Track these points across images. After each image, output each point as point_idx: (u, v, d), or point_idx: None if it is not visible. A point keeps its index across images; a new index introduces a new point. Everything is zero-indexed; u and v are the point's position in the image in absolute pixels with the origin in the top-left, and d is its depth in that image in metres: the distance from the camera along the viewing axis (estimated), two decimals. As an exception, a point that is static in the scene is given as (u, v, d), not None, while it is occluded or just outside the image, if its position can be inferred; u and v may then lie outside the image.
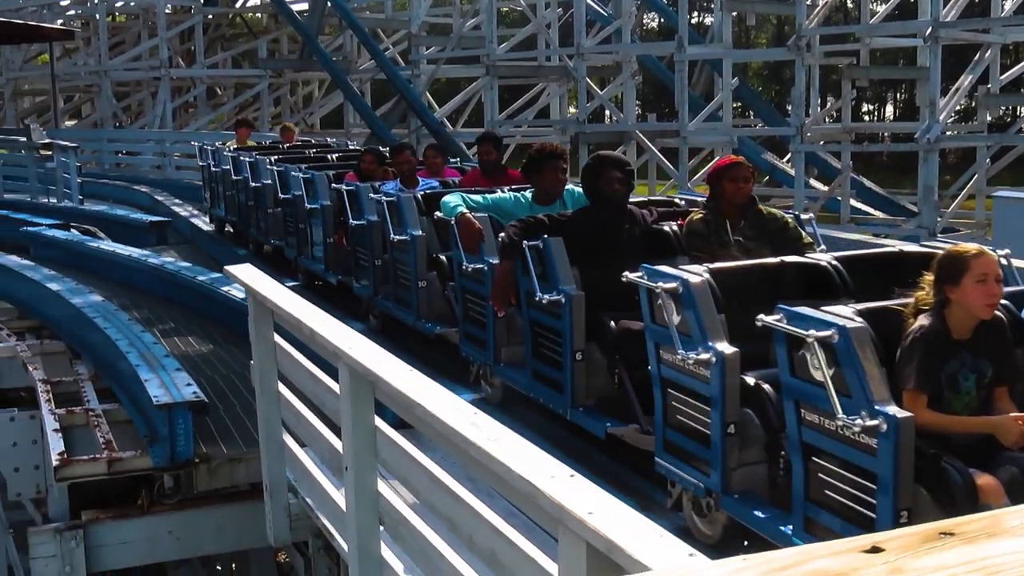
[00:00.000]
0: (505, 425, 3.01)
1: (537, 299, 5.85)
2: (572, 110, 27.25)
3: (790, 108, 20.93)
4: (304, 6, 31.62)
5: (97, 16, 31.15)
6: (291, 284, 9.37)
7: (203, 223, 16.29)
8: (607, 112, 27.51)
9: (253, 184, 12.62)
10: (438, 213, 7.17)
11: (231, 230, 14.75)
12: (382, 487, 4.06)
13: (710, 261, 5.06)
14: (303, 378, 4.99)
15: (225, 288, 10.34)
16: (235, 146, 15.05)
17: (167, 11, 30.48)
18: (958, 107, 24.01)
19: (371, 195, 8.99)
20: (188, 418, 6.69)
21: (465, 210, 6.67)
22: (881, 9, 25.06)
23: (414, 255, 7.97)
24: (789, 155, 20.83)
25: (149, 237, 15.60)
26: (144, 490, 6.71)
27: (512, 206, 6.79)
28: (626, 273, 4.90)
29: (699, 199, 7.46)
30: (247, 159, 13.09)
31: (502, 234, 6.16)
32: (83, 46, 33.80)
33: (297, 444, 5.38)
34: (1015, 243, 6.52)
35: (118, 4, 34.65)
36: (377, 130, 24.69)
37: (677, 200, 7.64)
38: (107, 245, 14.21)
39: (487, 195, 6.97)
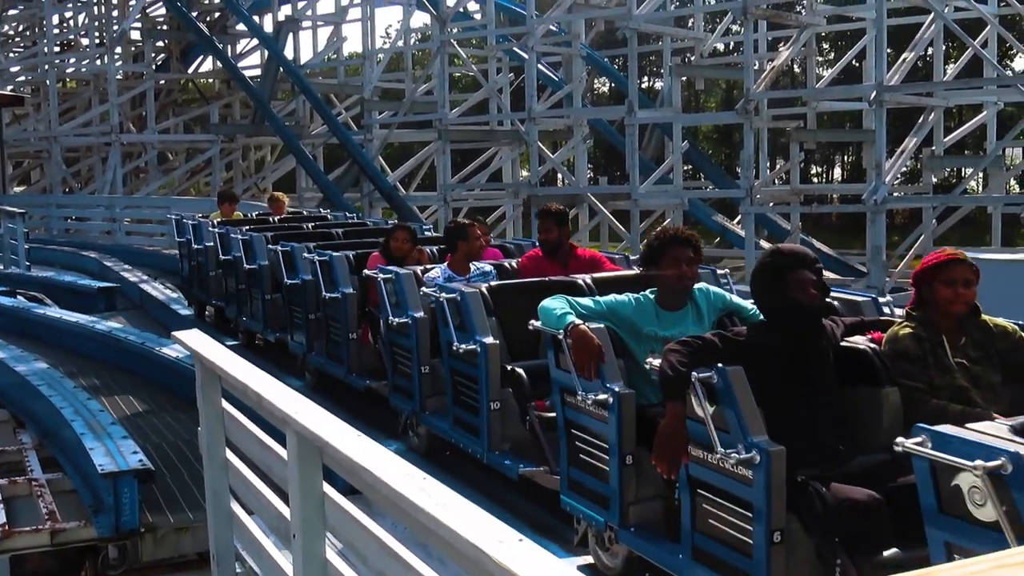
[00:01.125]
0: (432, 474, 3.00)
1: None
2: (524, 173, 27.42)
3: (740, 170, 21.22)
4: (256, 71, 31.75)
5: (48, 82, 31.03)
6: (296, 384, 8.49)
7: (156, 290, 16.11)
8: (559, 175, 27.73)
9: (248, 266, 10.88)
10: (536, 323, 5.28)
11: (211, 314, 13.09)
12: (331, 554, 3.99)
13: (928, 392, 4.22)
14: (251, 444, 4.91)
15: (173, 354, 10.22)
16: (219, 219, 13.25)
17: (118, 77, 30.43)
18: (904, 169, 24.48)
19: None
20: (134, 487, 6.56)
21: (576, 319, 4.98)
22: (827, 74, 25.60)
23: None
24: (739, 217, 21.06)
25: (97, 303, 15.43)
26: (88, 562, 6.56)
27: (633, 312, 5.09)
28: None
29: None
30: (238, 236, 11.31)
31: (657, 361, 4.41)
32: (33, 111, 33.63)
33: (245, 512, 5.28)
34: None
35: (69, 70, 34.58)
36: (330, 194, 24.69)
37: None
38: (54, 312, 14.02)
39: (598, 299, 5.23)
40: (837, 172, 49.32)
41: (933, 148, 21.56)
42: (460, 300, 6.42)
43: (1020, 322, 4.66)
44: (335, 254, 8.62)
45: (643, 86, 39.84)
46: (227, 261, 11.63)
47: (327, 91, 30.27)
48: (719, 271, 6.79)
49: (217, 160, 30.82)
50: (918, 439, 3.30)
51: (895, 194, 21.02)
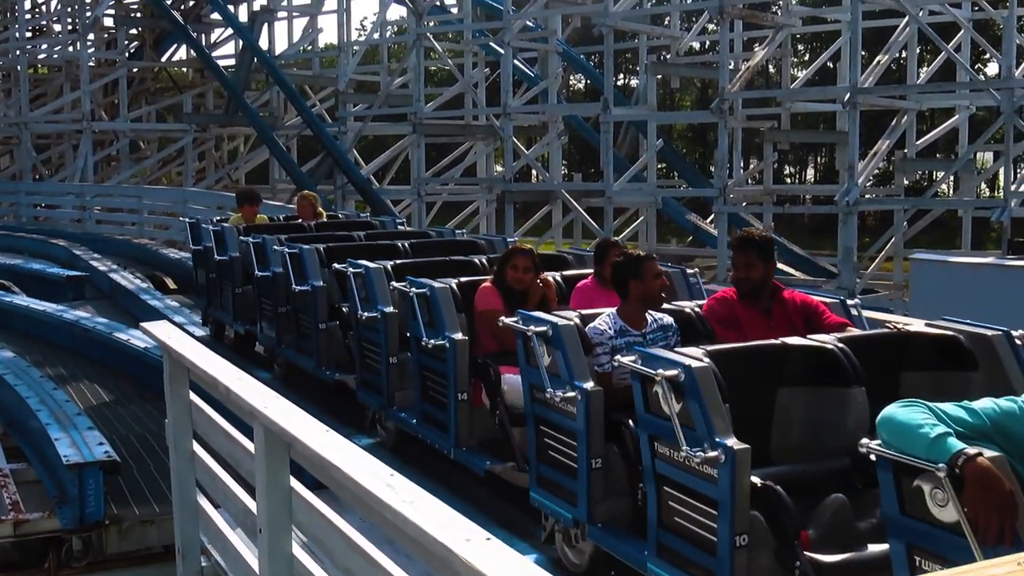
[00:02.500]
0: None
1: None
2: (499, 168, 27.39)
3: (713, 170, 21.27)
4: (231, 61, 31.54)
5: (19, 67, 30.71)
6: (366, 443, 7.16)
7: (126, 280, 15.97)
8: (533, 171, 27.71)
9: (298, 287, 8.57)
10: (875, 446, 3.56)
11: (233, 337, 10.94)
12: (297, 550, 3.96)
13: None
14: (218, 437, 4.88)
15: (142, 345, 10.14)
16: (240, 223, 11.11)
17: (91, 64, 30.16)
18: (876, 171, 24.64)
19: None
20: (99, 478, 6.51)
21: (969, 448, 3.08)
22: (802, 75, 25.71)
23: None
24: (712, 216, 21.12)
25: (66, 292, 15.29)
26: (52, 553, 6.50)
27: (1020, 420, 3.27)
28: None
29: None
30: (284, 249, 8.92)
31: None
32: (3, 97, 33.27)
33: (211, 505, 5.24)
34: (932, 303, 6.66)
35: (40, 56, 34.23)
36: (303, 186, 24.57)
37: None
38: (21, 300, 13.90)
39: (970, 405, 3.29)
40: (810, 173, 49.59)
41: (905, 151, 21.69)
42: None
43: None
44: (436, 285, 6.56)
45: (619, 83, 39.90)
46: (264, 279, 9.31)
47: (302, 82, 30.12)
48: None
49: (190, 150, 30.61)
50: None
51: (867, 196, 21.12)
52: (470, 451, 6.30)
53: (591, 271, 6.76)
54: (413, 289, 6.62)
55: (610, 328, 5.21)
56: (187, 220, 12.94)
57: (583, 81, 45.63)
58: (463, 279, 6.74)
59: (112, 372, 10.67)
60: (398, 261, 7.75)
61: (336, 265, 7.97)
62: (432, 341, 6.39)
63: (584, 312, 5.48)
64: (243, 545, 4.73)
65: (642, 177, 22.13)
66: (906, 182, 23.81)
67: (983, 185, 32.44)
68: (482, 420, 6.26)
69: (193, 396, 5.18)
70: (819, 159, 47.85)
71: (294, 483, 3.86)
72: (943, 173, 22.97)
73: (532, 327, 5.15)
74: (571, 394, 4.87)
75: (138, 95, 33.98)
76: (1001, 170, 20.01)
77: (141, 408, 9.31)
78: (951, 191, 30.54)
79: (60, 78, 32.86)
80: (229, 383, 4.25)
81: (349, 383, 7.92)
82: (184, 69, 36.57)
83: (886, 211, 25.76)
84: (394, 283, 7.17)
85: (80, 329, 11.77)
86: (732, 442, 3.94)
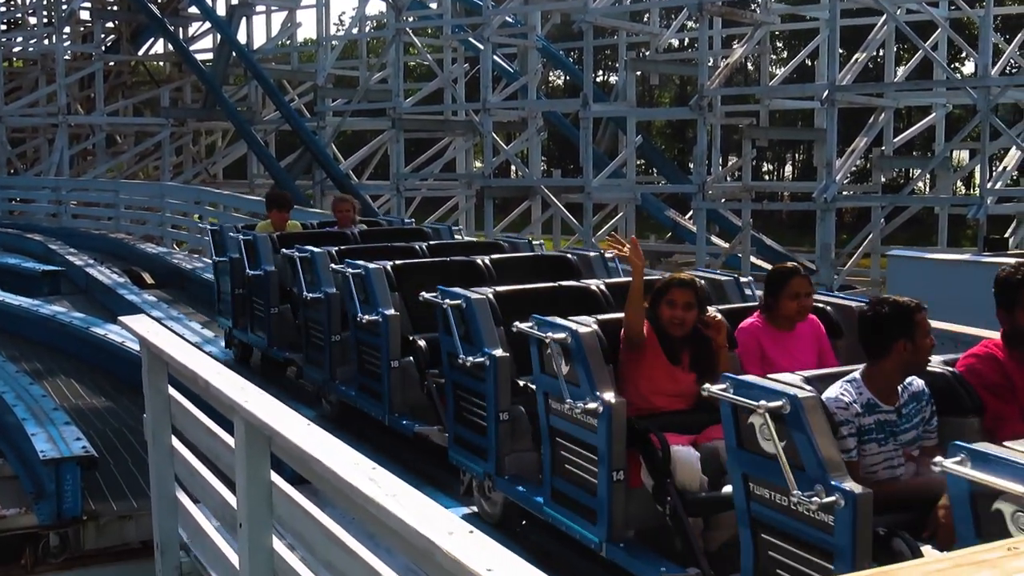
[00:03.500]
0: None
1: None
2: (478, 164, 27.37)
3: (692, 166, 21.32)
4: (208, 55, 31.38)
5: (-7, 60, 30.47)
6: (463, 512, 5.88)
7: (102, 275, 15.87)
8: (513, 167, 27.70)
9: (365, 316, 6.97)
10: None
11: (257, 359, 9.91)
12: (277, 544, 3.95)
13: None
14: (197, 432, 4.85)
15: (119, 339, 10.08)
16: (270, 231, 9.63)
17: (66, 57, 29.93)
18: (854, 168, 24.73)
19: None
20: (76, 474, 6.47)
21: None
22: (780, 72, 25.80)
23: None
24: (691, 212, 21.17)
25: (41, 287, 15.18)
26: (28, 549, 6.45)
27: None
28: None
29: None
30: (346, 269, 7.28)
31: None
32: (-22, 91, 32.99)
33: (190, 500, 5.22)
34: (909, 299, 6.67)
35: (15, 49, 33.96)
36: (281, 181, 24.49)
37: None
38: (-3, 294, 13.78)
39: None
40: (788, 170, 49.75)
41: (883, 148, 21.80)
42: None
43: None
44: (579, 329, 4.82)
45: (598, 80, 39.93)
46: (315, 301, 7.77)
47: (280, 77, 30.00)
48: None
49: (167, 144, 30.44)
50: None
51: (845, 193, 21.23)
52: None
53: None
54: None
55: (855, 401, 3.92)
56: (209, 227, 11.34)
57: (563, 77, 45.61)
58: (602, 318, 5.00)
59: (89, 367, 10.60)
60: (498, 289, 6.01)
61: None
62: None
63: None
64: (222, 540, 4.70)
65: (621, 173, 22.15)
66: (883, 179, 23.91)
67: (959, 183, 32.61)
68: (641, 504, 4.69)
69: (172, 390, 5.15)
70: (797, 156, 48.02)
71: (274, 477, 3.84)
72: (920, 171, 23.08)
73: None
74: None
75: (115, 89, 33.77)
76: (977, 168, 20.14)
77: (119, 403, 9.25)
78: (928, 188, 30.69)
79: (35, 71, 32.63)
80: (208, 377, 4.23)
81: (434, 437, 6.37)
82: (161, 63, 36.36)
83: (864, 208, 25.89)
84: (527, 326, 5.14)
85: (57, 324, 11.69)
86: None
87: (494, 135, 23.42)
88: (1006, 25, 30.77)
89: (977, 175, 21.86)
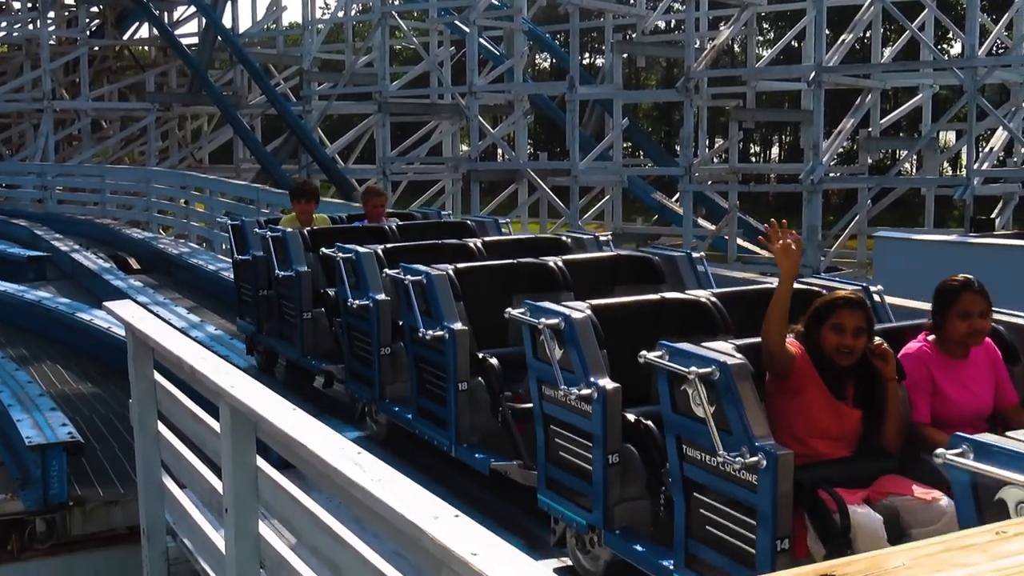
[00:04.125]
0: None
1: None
2: (464, 148, 27.32)
3: (679, 148, 21.30)
4: (194, 40, 31.21)
5: (-23, 45, 30.28)
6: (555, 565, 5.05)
7: (88, 260, 15.79)
8: (499, 150, 27.65)
9: (428, 332, 5.95)
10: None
11: (283, 365, 9.04)
12: (264, 529, 3.94)
13: None
14: (183, 417, 4.84)
15: (105, 325, 10.05)
16: (296, 225, 8.68)
17: (51, 42, 29.74)
18: (840, 150, 24.75)
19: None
20: (63, 459, 6.45)
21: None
22: (767, 54, 25.78)
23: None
24: (678, 194, 21.17)
25: (27, 272, 15.11)
26: (15, 535, 6.44)
27: None
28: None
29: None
30: (403, 276, 6.20)
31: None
32: (-38, 76, 32.79)
33: (177, 486, 5.21)
34: (895, 281, 6.69)
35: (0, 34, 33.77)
36: (267, 165, 24.40)
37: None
38: (-18, 280, 13.71)
39: None
40: (775, 152, 49.80)
41: (869, 129, 21.82)
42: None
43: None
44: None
45: (584, 62, 39.87)
46: (361, 308, 6.78)
47: (266, 61, 29.85)
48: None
49: (152, 129, 30.29)
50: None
51: (831, 174, 21.24)
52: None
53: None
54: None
55: None
56: (228, 221, 10.10)
57: (549, 60, 45.54)
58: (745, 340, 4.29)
59: (75, 353, 10.56)
60: (594, 303, 5.05)
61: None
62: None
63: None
64: (209, 525, 4.70)
65: (608, 156, 22.13)
66: (870, 161, 23.94)
67: (946, 164, 32.69)
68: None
69: (157, 376, 5.13)
70: (784, 138, 48.06)
71: (260, 462, 3.84)
72: (906, 152, 23.13)
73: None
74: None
75: (99, 74, 33.57)
76: (964, 149, 20.17)
77: (105, 388, 9.22)
78: (914, 170, 30.77)
79: (20, 56, 32.40)
80: (194, 362, 4.22)
81: (513, 473, 5.58)
82: (146, 48, 36.15)
83: (850, 189, 25.93)
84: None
85: (42, 309, 11.64)
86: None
87: (480, 118, 23.37)
88: (992, 5, 30.82)
89: (964, 156, 21.89)
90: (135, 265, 16.97)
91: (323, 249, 7.49)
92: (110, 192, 23.05)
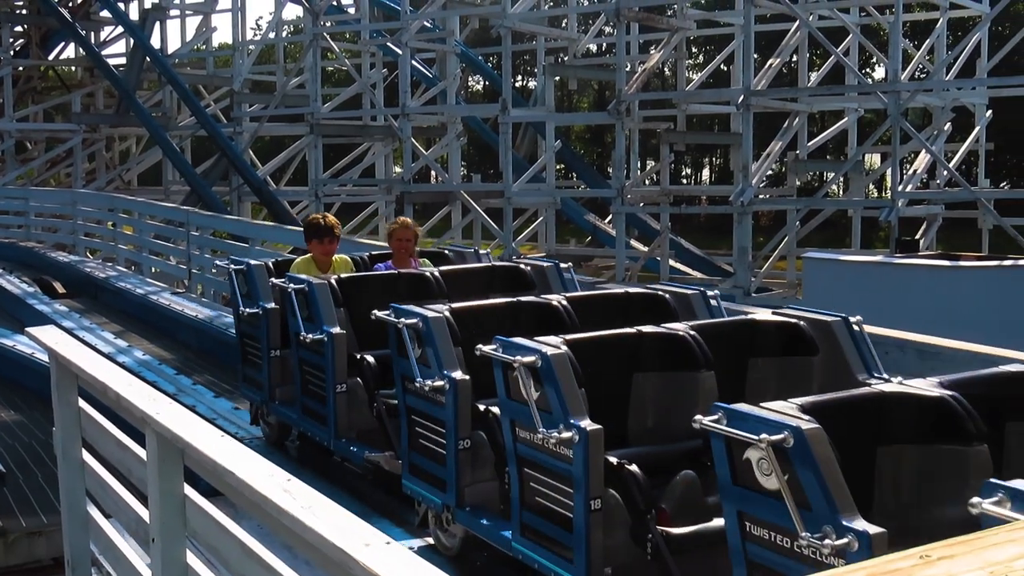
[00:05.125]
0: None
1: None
2: (397, 169, 27.25)
3: (611, 170, 21.45)
4: (122, 60, 30.82)
5: None
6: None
7: (11, 284, 15.44)
8: (432, 172, 27.65)
9: (552, 434, 4.34)
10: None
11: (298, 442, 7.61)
12: (192, 559, 3.86)
13: None
14: (109, 445, 4.73)
15: (28, 351, 9.84)
16: (316, 272, 7.31)
17: (-26, 62, 29.19)
18: (769, 172, 25.13)
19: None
20: (-16, 490, 6.28)
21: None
22: (697, 77, 26.09)
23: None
24: (611, 216, 21.31)
25: (-53, 297, 14.78)
26: (-66, 568, 6.25)
27: None
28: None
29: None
30: (503, 355, 4.62)
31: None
32: None
33: (102, 515, 5.09)
34: (823, 301, 6.77)
35: (-80, 53, 33.03)
36: (197, 187, 24.13)
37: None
38: (-99, 306, 13.37)
39: None
40: (706, 174, 50.38)
41: (797, 152, 22.16)
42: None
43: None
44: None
45: (517, 85, 40.05)
46: (435, 389, 5.24)
47: (195, 82, 29.57)
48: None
49: (79, 150, 29.83)
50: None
51: (761, 196, 21.53)
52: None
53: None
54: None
55: None
56: (230, 266, 7.90)
57: (481, 82, 45.68)
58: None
59: (-2, 380, 10.33)
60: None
61: None
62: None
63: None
64: (136, 555, 4.60)
65: (541, 178, 22.22)
66: (798, 183, 24.33)
67: (872, 186, 33.32)
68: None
69: (82, 403, 5.02)
70: (715, 160, 48.64)
71: (188, 490, 3.77)
72: (833, 174, 23.51)
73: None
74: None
75: (24, 94, 32.99)
76: (888, 171, 20.56)
77: (28, 416, 9.02)
78: (841, 191, 31.28)
79: (-59, 76, 31.73)
80: (119, 389, 4.13)
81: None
82: (73, 68, 35.62)
83: (779, 211, 26.29)
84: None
85: (-37, 336, 11.36)
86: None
87: (413, 140, 23.34)
88: (915, 31, 31.54)
89: (888, 178, 22.32)
90: (60, 289, 16.66)
91: (392, 318, 5.50)
92: (35, 215, 22.63)
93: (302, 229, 8.67)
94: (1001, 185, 34.90)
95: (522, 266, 7.12)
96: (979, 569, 0.89)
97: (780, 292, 19.68)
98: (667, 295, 5.85)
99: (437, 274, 6.71)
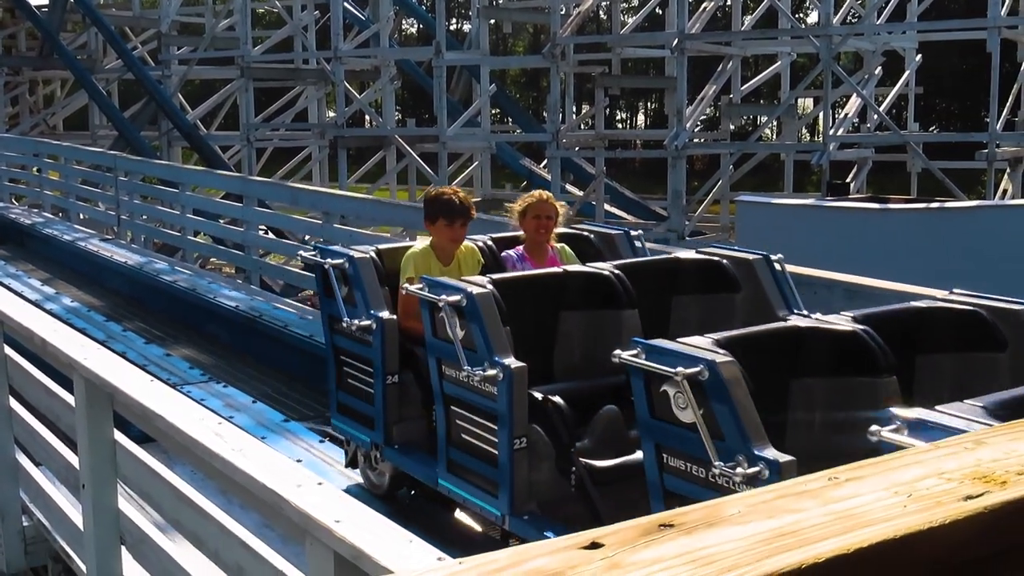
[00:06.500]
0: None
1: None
2: (330, 114, 26.93)
3: (546, 115, 21.39)
4: (44, 1, 29.99)
5: None
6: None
7: None
8: (366, 117, 27.37)
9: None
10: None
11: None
12: (124, 504, 3.85)
13: None
14: (37, 392, 4.68)
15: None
16: (441, 265, 5.46)
17: None
18: (703, 116, 25.22)
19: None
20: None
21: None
22: (632, 21, 26.03)
23: None
24: (546, 160, 21.30)
25: None
26: None
27: None
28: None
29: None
30: None
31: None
32: None
33: (32, 463, 5.05)
34: (756, 244, 6.85)
35: None
36: (125, 132, 23.67)
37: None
38: None
39: None
40: (641, 118, 50.47)
41: (731, 96, 22.26)
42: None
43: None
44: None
45: (451, 28, 39.66)
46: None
47: (121, 24, 28.87)
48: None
49: (1, 94, 29.06)
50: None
51: (695, 140, 21.65)
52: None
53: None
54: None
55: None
56: (316, 258, 5.77)
57: (415, 25, 45.16)
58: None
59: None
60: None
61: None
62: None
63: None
64: (67, 502, 4.57)
65: (476, 122, 22.10)
66: (732, 127, 24.45)
67: (804, 130, 33.60)
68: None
69: (8, 350, 4.95)
70: (649, 105, 48.70)
71: (118, 436, 3.75)
72: (766, 118, 23.67)
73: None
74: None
75: (-58, 36, 32.02)
76: (820, 115, 20.75)
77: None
78: (775, 135, 31.54)
79: None
80: (45, 335, 4.08)
81: None
82: (-7, 9, 34.57)
83: (713, 155, 26.44)
84: None
85: None
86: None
87: (346, 84, 23.06)
88: (847, -24, 31.65)
89: (820, 122, 22.54)
90: (-14, 236, 16.32)
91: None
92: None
93: (421, 205, 5.92)
94: (930, 129, 35.39)
95: (724, 262, 5.16)
96: (884, 489, 0.92)
97: (714, 235, 19.86)
98: (723, 260, 5.16)
99: (618, 272, 4.87)
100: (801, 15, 34.93)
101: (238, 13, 24.39)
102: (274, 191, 14.20)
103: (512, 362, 4.30)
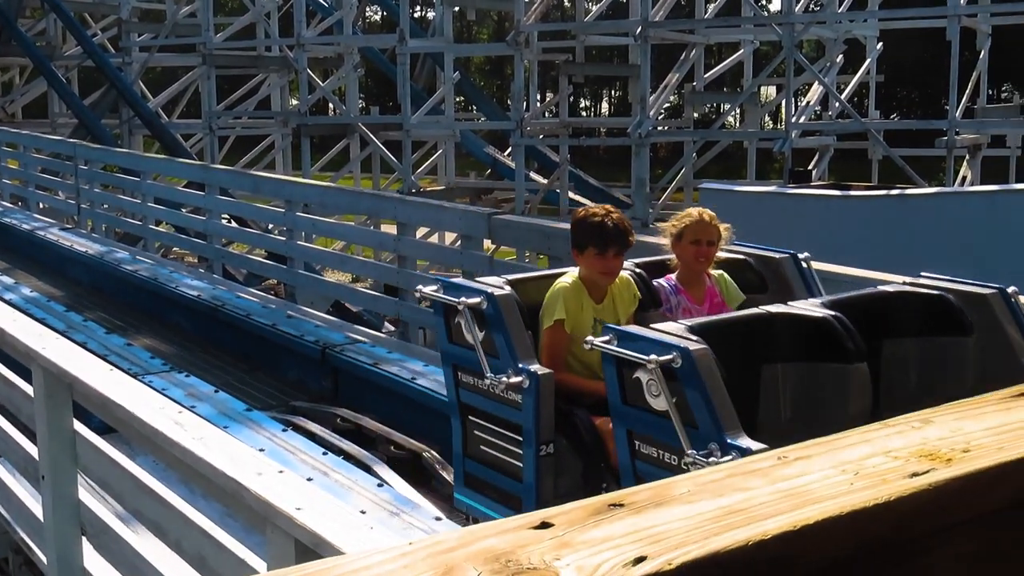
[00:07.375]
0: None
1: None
2: (294, 102, 26.76)
3: (511, 103, 21.37)
4: (2, -13, 29.58)
5: None
6: None
7: None
8: (330, 104, 27.24)
9: None
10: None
11: None
12: (84, 495, 3.83)
13: None
14: (-5, 383, 4.64)
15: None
16: (593, 303, 4.58)
17: None
18: (667, 104, 25.30)
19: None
20: None
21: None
22: (595, 8, 26.05)
23: None
24: (510, 148, 21.29)
25: None
26: None
27: None
28: None
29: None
30: None
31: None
32: None
33: (-9, 454, 5.00)
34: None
35: None
36: (86, 120, 23.41)
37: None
38: None
39: None
40: (605, 106, 50.54)
41: (694, 84, 22.33)
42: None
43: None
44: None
45: (415, 15, 39.50)
46: None
47: (81, 10, 28.53)
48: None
49: (-42, 82, 28.69)
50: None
51: (659, 128, 21.71)
52: None
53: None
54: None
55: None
56: (442, 295, 4.58)
57: (379, 12, 44.94)
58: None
59: None
60: None
61: None
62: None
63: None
64: (27, 494, 4.54)
65: (440, 110, 22.04)
66: (695, 114, 24.54)
67: (767, 117, 33.78)
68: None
69: (-34, 340, 4.90)
70: (613, 93, 48.79)
71: (78, 426, 3.72)
72: (729, 106, 23.77)
73: None
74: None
75: (-103, 22, 31.50)
76: (783, 103, 20.86)
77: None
78: (737, 123, 31.69)
79: None
80: (3, 324, 4.05)
81: None
82: (-51, -5, 34.05)
83: (677, 143, 26.52)
84: None
85: None
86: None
87: (310, 72, 22.92)
88: (809, -36, 31.78)
89: (783, 110, 22.66)
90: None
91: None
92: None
93: (569, 228, 4.72)
94: (891, 117, 35.71)
95: (951, 299, 4.20)
96: (832, 467, 0.94)
97: (677, 223, 19.91)
98: (950, 295, 4.22)
99: (840, 316, 3.86)
100: (764, 3, 35.08)
101: (199, 0, 24.18)
102: (236, 179, 14.10)
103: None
